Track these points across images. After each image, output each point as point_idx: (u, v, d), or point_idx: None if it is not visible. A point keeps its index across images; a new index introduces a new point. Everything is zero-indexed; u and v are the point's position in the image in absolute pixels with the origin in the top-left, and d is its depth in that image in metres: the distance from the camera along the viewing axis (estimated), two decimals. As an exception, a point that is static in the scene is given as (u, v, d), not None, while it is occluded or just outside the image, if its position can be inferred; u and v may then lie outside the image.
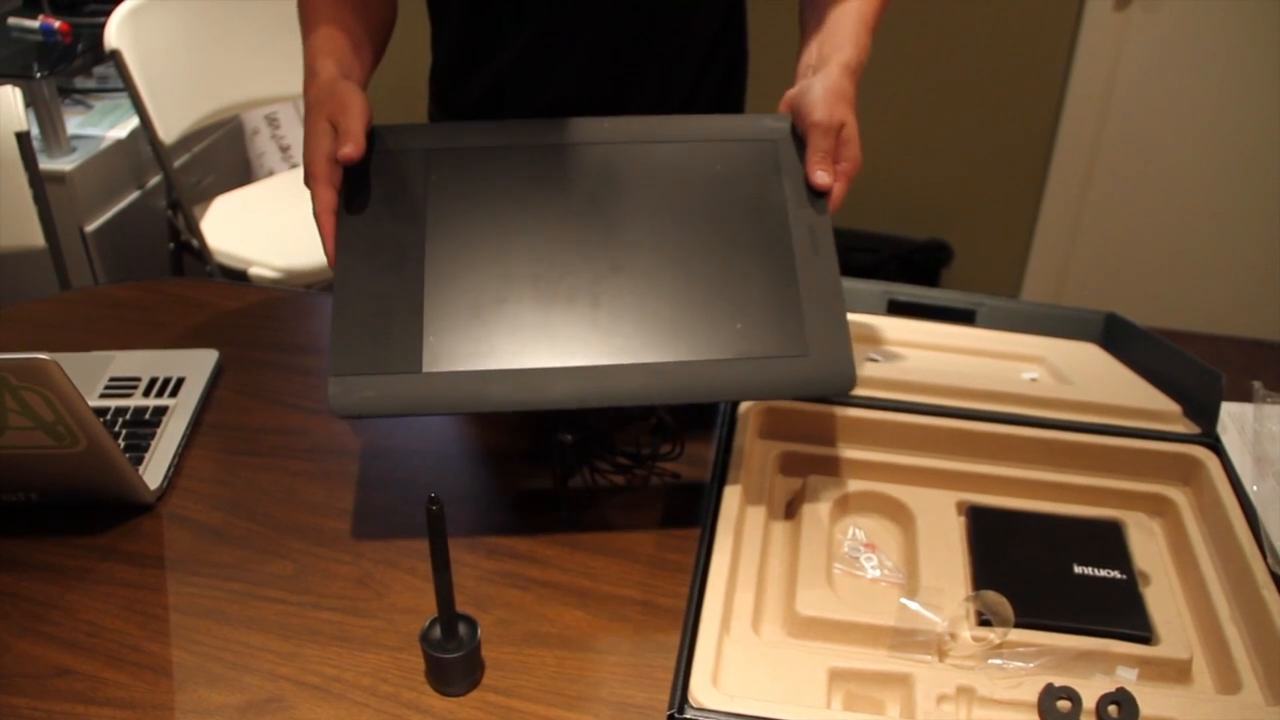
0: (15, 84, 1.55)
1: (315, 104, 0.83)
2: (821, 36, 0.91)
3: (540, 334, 0.80)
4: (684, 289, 0.82)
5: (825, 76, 0.86)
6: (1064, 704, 0.73)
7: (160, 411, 1.01)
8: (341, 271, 0.82)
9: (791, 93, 0.89)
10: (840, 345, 0.82)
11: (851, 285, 1.12)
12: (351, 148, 0.81)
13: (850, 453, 0.95)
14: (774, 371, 0.81)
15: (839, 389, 0.82)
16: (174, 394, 1.03)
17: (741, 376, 0.80)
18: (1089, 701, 0.73)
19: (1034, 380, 1.06)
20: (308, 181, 0.82)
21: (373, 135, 0.86)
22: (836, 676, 0.76)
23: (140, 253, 2.20)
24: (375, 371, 0.78)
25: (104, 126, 2.14)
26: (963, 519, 0.91)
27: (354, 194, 0.84)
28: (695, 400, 0.81)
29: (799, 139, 0.88)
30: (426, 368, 0.78)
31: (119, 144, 2.11)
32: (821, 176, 0.85)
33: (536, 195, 0.85)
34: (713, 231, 0.85)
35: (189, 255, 2.07)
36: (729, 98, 1.17)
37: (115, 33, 1.80)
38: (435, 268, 0.82)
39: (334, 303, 0.80)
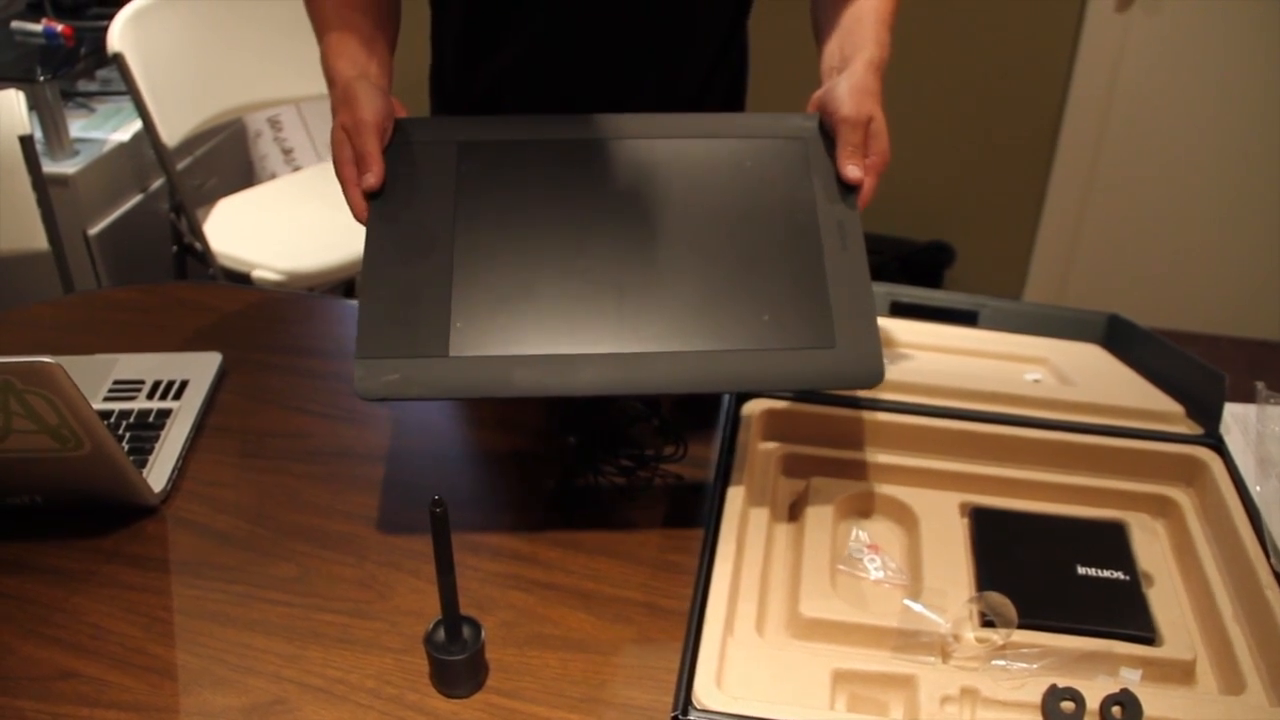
0: (18, 87, 1.55)
1: (334, 110, 0.86)
2: (841, 37, 0.91)
3: (567, 322, 0.80)
4: (711, 281, 0.82)
5: (851, 74, 0.86)
6: (1067, 705, 0.73)
7: (164, 414, 1.01)
8: (370, 258, 0.82)
9: (818, 93, 0.89)
10: (869, 338, 0.81)
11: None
12: (372, 177, 0.84)
13: (853, 454, 0.95)
14: (801, 362, 0.80)
15: (866, 382, 0.81)
16: (178, 397, 1.03)
17: (768, 367, 0.80)
18: (1092, 702, 0.73)
19: (1037, 381, 1.06)
20: (342, 187, 0.85)
21: (405, 126, 0.88)
22: (840, 678, 0.76)
23: (143, 256, 2.20)
24: (401, 355, 0.78)
25: (107, 129, 2.14)
26: (966, 520, 0.91)
27: (386, 184, 0.85)
28: (721, 390, 0.81)
29: (827, 137, 0.88)
30: (453, 352, 0.79)
31: (122, 147, 2.11)
32: (852, 170, 0.85)
33: (566, 187, 0.86)
34: (741, 226, 0.85)
35: (192, 258, 2.07)
36: (730, 108, 1.17)
37: (118, 36, 1.80)
38: (464, 256, 0.82)
39: (361, 288, 0.81)
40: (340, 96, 0.86)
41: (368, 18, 0.93)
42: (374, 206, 0.84)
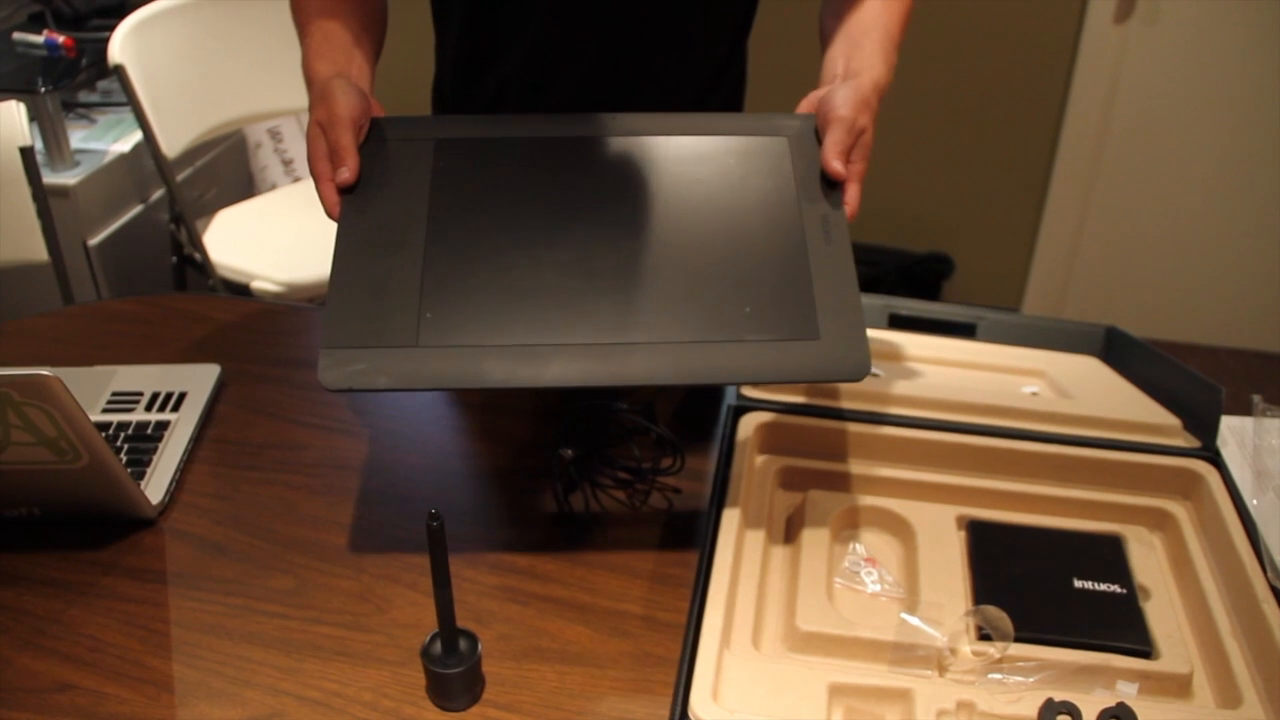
0: (19, 98, 1.55)
1: (311, 108, 0.86)
2: (848, 49, 0.92)
3: (541, 313, 0.79)
4: (691, 273, 0.81)
5: (858, 87, 0.86)
6: (1064, 719, 0.73)
7: (162, 426, 1.01)
8: (341, 250, 0.81)
9: (817, 93, 0.89)
10: (853, 330, 0.79)
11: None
12: (347, 172, 0.83)
13: (851, 467, 0.95)
14: (784, 354, 0.78)
15: (851, 374, 0.79)
16: (176, 409, 1.03)
17: (750, 358, 0.78)
18: (1089, 716, 0.73)
19: (1034, 394, 1.06)
20: (315, 182, 0.85)
21: (382, 124, 0.87)
22: (837, 691, 0.76)
23: (143, 267, 2.20)
24: (369, 345, 0.77)
25: (107, 140, 2.14)
26: (963, 533, 0.91)
27: (360, 179, 0.84)
28: (700, 382, 0.78)
29: (814, 138, 0.87)
30: (423, 343, 0.77)
31: (122, 158, 2.12)
32: (837, 165, 0.84)
33: (543, 182, 0.85)
34: (723, 219, 0.84)
35: (192, 269, 2.08)
36: None
37: (119, 48, 1.81)
38: (436, 248, 0.82)
39: (331, 279, 0.80)
40: (317, 94, 0.86)
41: (351, 22, 0.93)
42: (347, 200, 0.83)
